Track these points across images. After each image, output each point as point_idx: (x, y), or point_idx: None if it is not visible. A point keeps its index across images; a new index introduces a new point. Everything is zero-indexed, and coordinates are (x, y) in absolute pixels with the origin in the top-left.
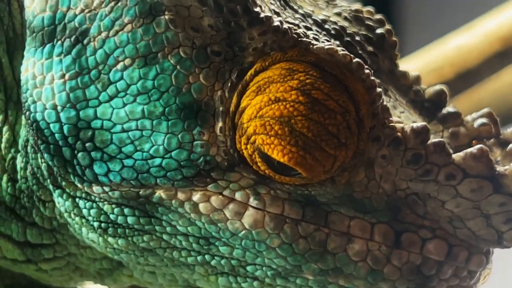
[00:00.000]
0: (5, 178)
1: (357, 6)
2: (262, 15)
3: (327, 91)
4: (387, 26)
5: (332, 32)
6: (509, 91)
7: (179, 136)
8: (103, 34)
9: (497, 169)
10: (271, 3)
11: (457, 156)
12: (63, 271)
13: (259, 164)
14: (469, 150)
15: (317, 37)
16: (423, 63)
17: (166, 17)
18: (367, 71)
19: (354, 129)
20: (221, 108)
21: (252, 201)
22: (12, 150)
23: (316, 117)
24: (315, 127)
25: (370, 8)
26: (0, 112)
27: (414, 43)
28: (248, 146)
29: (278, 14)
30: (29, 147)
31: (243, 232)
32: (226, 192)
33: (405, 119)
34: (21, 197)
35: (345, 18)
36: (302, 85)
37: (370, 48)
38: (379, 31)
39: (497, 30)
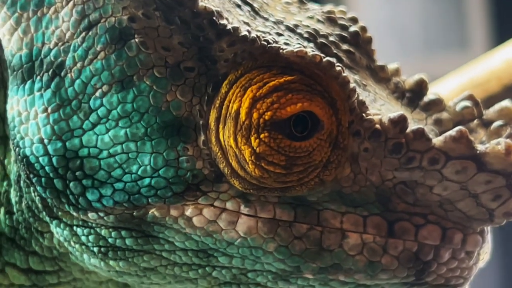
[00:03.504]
0: (2, 210)
1: (329, 7)
2: (229, 26)
3: None
4: (360, 24)
5: (305, 35)
6: None
7: (164, 154)
8: (78, 65)
9: (478, 148)
10: (240, 15)
11: (437, 140)
12: None
13: (282, 145)
14: (448, 133)
15: (288, 42)
16: (468, 78)
17: (137, 40)
18: (338, 68)
19: (334, 120)
20: (201, 122)
21: (243, 209)
22: (5, 184)
23: (308, 82)
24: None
25: (342, 8)
26: None
27: None
28: (262, 136)
29: (247, 24)
30: (22, 182)
31: (239, 240)
32: (217, 203)
33: (385, 111)
34: (19, 228)
35: (318, 21)
36: (285, 69)
37: (345, 47)
38: (352, 29)
39: None
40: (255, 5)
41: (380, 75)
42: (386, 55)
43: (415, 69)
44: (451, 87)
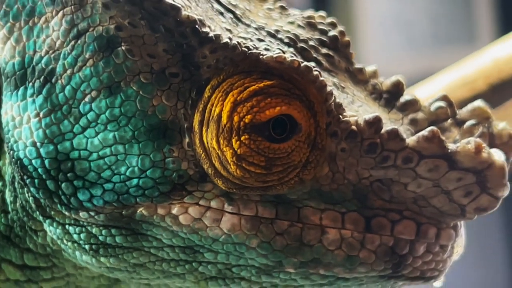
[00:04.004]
0: None
1: (309, 12)
2: (211, 34)
3: None
4: (339, 28)
5: (286, 40)
6: None
7: (151, 155)
8: (68, 71)
9: (449, 147)
10: (222, 22)
11: (410, 140)
12: None
13: (261, 147)
14: (421, 133)
15: (268, 47)
16: (457, 77)
17: (123, 48)
18: (315, 73)
19: (312, 122)
20: (185, 125)
21: (227, 207)
22: (0, 184)
23: (286, 86)
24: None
25: (322, 13)
26: None
27: None
28: (243, 138)
29: (230, 31)
30: (16, 183)
31: (223, 236)
32: (202, 202)
33: (363, 112)
34: (14, 227)
35: (299, 26)
36: (265, 74)
37: (324, 50)
38: (331, 33)
39: None
40: (237, 12)
41: (359, 77)
42: (394, 50)
43: (422, 64)
44: (439, 86)
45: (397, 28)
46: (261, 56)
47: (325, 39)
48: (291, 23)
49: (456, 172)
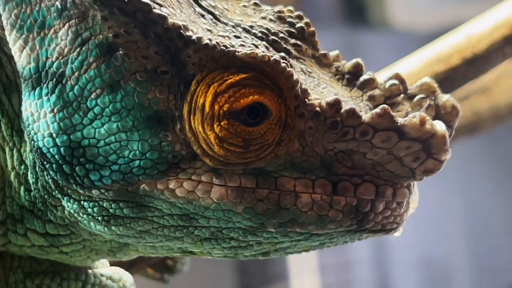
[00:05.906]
0: (22, 189)
1: (279, 7)
2: (193, 37)
3: None
4: (305, 20)
5: (259, 34)
6: None
7: (149, 141)
8: (76, 74)
9: (399, 121)
10: (203, 23)
11: (366, 117)
12: (80, 252)
13: (238, 130)
14: (374, 110)
15: (243, 43)
16: (433, 53)
17: (121, 52)
18: (283, 65)
19: (283, 107)
20: (176, 114)
21: (215, 180)
22: (22, 167)
23: (259, 77)
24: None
25: (290, 7)
26: (10, 139)
27: None
28: (223, 123)
29: (210, 31)
30: (37, 167)
31: (213, 205)
32: (194, 177)
33: (327, 93)
34: (36, 203)
35: (270, 20)
36: (240, 68)
37: (293, 41)
38: (298, 25)
39: (510, 15)
40: (216, 12)
41: (323, 62)
42: (420, 5)
43: (449, 18)
44: (417, 63)
45: None
46: (236, 53)
47: (293, 30)
48: (264, 18)
49: (405, 142)
